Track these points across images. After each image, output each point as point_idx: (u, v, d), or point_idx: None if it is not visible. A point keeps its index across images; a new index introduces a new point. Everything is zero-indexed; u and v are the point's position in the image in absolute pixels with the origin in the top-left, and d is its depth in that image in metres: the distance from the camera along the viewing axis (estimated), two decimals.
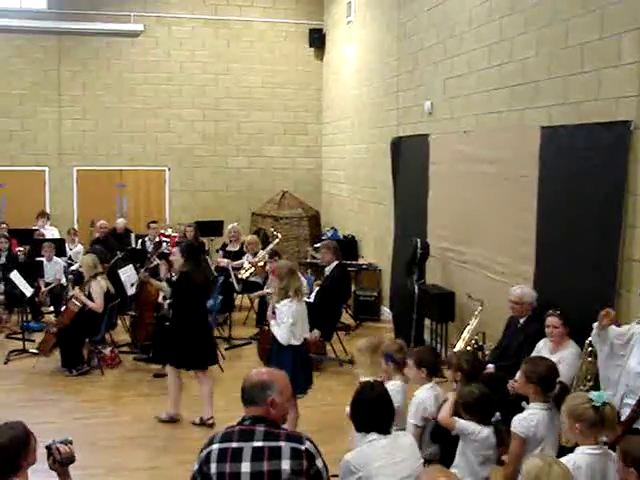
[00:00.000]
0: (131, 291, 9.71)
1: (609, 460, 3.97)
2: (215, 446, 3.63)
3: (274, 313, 6.76)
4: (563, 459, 3.80)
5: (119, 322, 10.37)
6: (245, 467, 3.54)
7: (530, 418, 4.65)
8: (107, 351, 9.15)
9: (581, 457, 3.88)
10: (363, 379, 4.75)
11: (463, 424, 4.76)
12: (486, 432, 4.72)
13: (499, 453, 4.95)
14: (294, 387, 6.32)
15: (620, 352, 4.87)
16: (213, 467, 3.58)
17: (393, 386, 5.19)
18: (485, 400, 4.82)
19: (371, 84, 12.97)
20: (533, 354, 6.55)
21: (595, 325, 5.09)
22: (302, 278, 10.89)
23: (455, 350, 6.99)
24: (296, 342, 6.68)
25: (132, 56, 15.65)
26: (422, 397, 5.21)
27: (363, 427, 4.18)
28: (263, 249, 11.97)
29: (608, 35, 6.33)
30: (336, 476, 4.23)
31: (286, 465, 3.57)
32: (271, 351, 6.94)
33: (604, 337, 5.03)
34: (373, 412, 4.19)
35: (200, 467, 3.64)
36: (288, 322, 6.61)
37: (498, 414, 4.88)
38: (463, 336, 8.04)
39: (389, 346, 5.56)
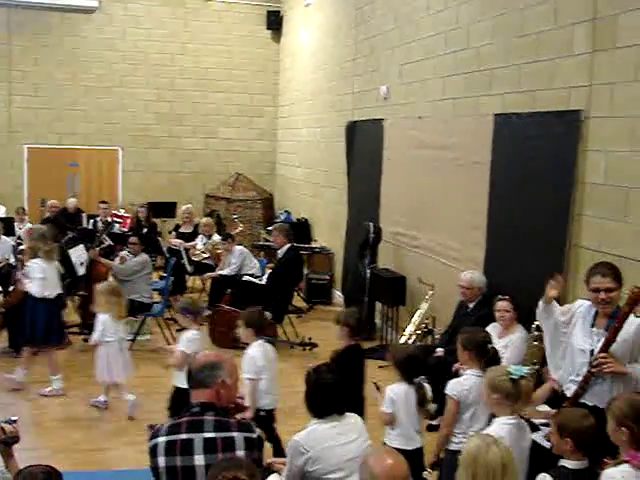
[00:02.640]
0: (81, 271, 9.60)
1: (523, 430, 4.21)
2: (162, 439, 3.53)
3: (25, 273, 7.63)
4: (485, 431, 4.05)
5: (69, 302, 10.23)
6: (199, 460, 3.47)
7: (463, 382, 4.89)
8: None
9: (501, 427, 4.08)
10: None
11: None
12: (403, 388, 5.00)
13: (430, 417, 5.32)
14: (50, 338, 7.55)
15: (564, 330, 4.97)
16: (161, 461, 3.49)
17: (191, 334, 6.24)
18: (414, 360, 5.12)
19: (327, 68, 12.95)
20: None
21: (541, 301, 5.16)
22: (254, 260, 10.97)
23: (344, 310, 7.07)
24: (50, 295, 7.53)
25: (86, 33, 15.38)
26: (252, 353, 5.72)
27: (323, 412, 4.12)
28: (217, 232, 11.92)
29: (562, 25, 6.40)
30: (285, 456, 4.25)
31: (241, 456, 3.52)
32: (26, 307, 7.60)
33: (549, 312, 5.10)
34: (332, 395, 4.15)
35: (150, 460, 3.56)
36: (38, 276, 7.45)
37: (423, 377, 5.11)
38: (413, 320, 8.13)
39: (184, 301, 6.69)
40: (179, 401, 5.84)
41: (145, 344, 9.26)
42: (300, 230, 13.16)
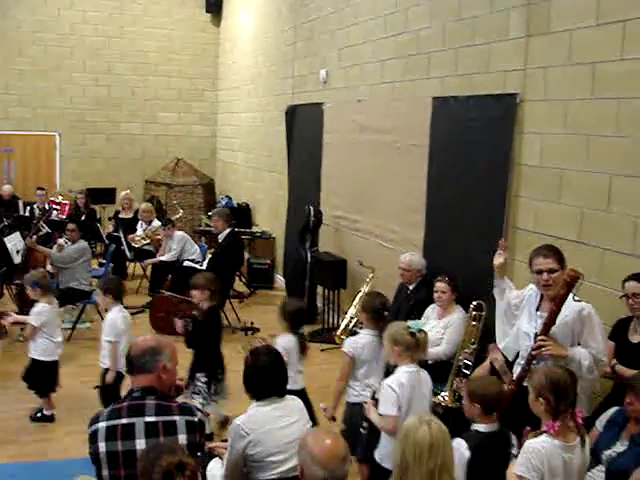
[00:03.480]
0: (18, 259, 9.41)
1: (423, 377, 4.73)
2: (102, 424, 3.49)
3: None
4: (388, 379, 4.62)
5: (5, 291, 10.03)
6: (140, 444, 3.43)
7: (358, 340, 5.41)
8: None
9: (402, 375, 4.59)
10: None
11: None
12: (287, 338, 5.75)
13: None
14: None
15: (515, 312, 5.04)
16: (102, 446, 3.44)
17: (41, 307, 6.58)
18: (301, 313, 5.99)
19: (267, 52, 12.89)
20: (422, 319, 6.72)
21: (495, 277, 5.21)
22: (195, 246, 10.91)
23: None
24: None
25: (19, 14, 14.99)
26: (113, 317, 6.33)
27: (262, 394, 4.12)
28: (157, 218, 11.81)
29: (498, 10, 6.48)
30: (226, 440, 4.25)
31: (183, 440, 3.52)
32: None
33: (500, 288, 5.14)
34: (270, 377, 4.14)
35: (89, 447, 3.51)
36: None
37: (304, 329, 6.03)
38: (355, 302, 8.16)
39: (34, 275, 6.81)
40: (34, 373, 6.59)
41: (85, 332, 9.15)
42: (241, 215, 13.13)
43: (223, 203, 14.46)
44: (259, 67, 13.42)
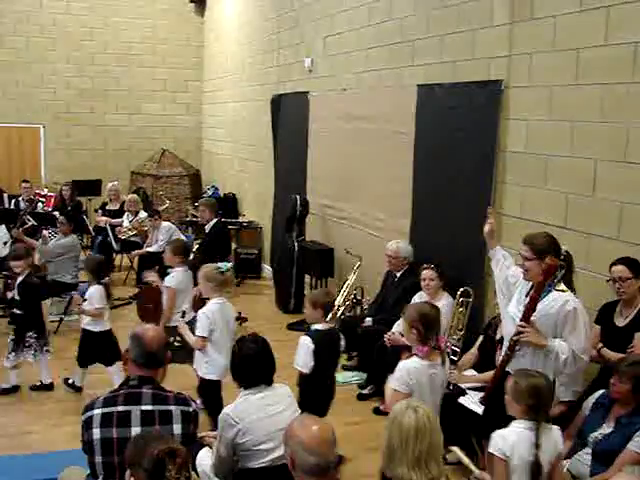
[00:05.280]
0: (4, 252, 9.37)
1: (228, 307, 5.96)
2: (97, 411, 3.51)
3: None
4: (202, 309, 5.77)
5: None
6: (136, 432, 3.44)
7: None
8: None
9: (214, 305, 5.78)
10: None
11: None
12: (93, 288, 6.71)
13: None
14: None
15: (512, 288, 4.92)
16: (96, 432, 3.46)
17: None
18: (102, 264, 6.99)
19: (252, 41, 12.84)
20: None
21: (488, 248, 5.15)
22: (182, 236, 10.89)
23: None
24: None
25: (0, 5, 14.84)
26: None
27: (249, 382, 4.13)
28: (144, 209, 11.78)
29: None
30: (215, 430, 4.25)
31: (178, 430, 3.56)
32: None
33: (495, 258, 4.96)
34: (259, 365, 4.15)
35: (82, 436, 3.53)
36: None
37: (108, 278, 7.07)
38: (342, 291, 8.18)
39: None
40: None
41: (73, 324, 9.11)
42: (227, 205, 13.12)
43: (209, 193, 14.42)
44: (244, 57, 13.37)
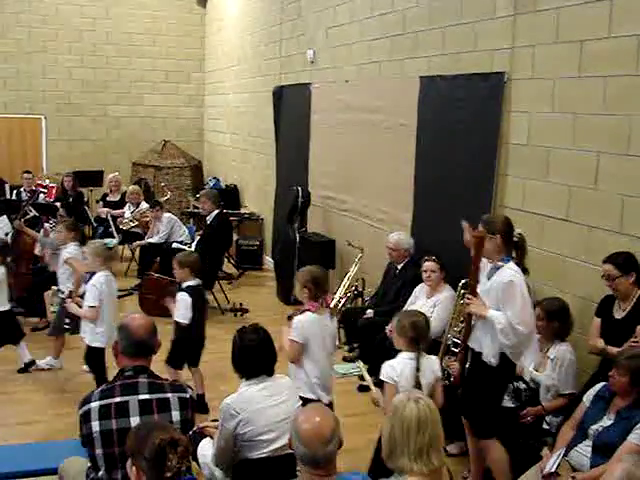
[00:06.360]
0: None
1: (112, 279, 6.38)
2: (94, 404, 3.51)
3: None
4: (90, 281, 6.19)
5: None
6: (135, 421, 3.45)
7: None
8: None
9: (100, 276, 6.22)
10: None
11: None
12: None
13: None
14: None
15: None
16: (95, 425, 3.46)
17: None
18: (5, 247, 7.49)
19: (254, 32, 12.82)
20: (410, 299, 6.76)
21: None
22: (183, 227, 10.90)
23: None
24: None
25: None
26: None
27: (249, 372, 4.14)
28: (145, 200, 11.78)
29: None
30: (216, 420, 4.26)
31: (176, 416, 3.58)
32: None
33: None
34: (260, 355, 4.15)
35: (80, 429, 3.54)
36: None
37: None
38: (343, 283, 8.19)
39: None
40: None
41: None
42: (229, 196, 13.11)
43: (211, 185, 14.42)
44: (246, 48, 13.35)
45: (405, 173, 7.73)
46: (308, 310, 5.07)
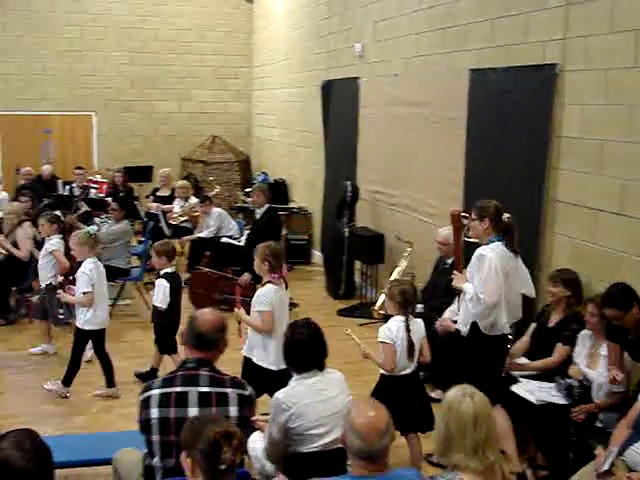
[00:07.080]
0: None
1: (100, 266, 6.64)
2: (155, 391, 3.59)
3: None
4: (81, 268, 6.44)
5: None
6: (193, 412, 3.51)
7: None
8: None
9: (89, 264, 6.48)
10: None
11: None
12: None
13: None
14: None
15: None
16: (154, 412, 3.53)
17: None
18: None
19: (302, 27, 12.83)
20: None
21: None
22: (233, 222, 10.96)
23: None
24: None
25: None
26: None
27: (301, 367, 4.14)
28: (194, 195, 11.87)
29: None
30: (267, 414, 4.28)
31: (234, 412, 3.60)
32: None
33: None
34: (310, 350, 4.15)
35: (139, 415, 3.60)
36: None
37: None
38: (392, 277, 8.15)
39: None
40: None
41: (125, 308, 9.26)
42: (277, 191, 13.12)
43: (259, 179, 14.46)
44: (293, 43, 13.37)
45: (455, 167, 7.67)
46: (269, 282, 5.60)
